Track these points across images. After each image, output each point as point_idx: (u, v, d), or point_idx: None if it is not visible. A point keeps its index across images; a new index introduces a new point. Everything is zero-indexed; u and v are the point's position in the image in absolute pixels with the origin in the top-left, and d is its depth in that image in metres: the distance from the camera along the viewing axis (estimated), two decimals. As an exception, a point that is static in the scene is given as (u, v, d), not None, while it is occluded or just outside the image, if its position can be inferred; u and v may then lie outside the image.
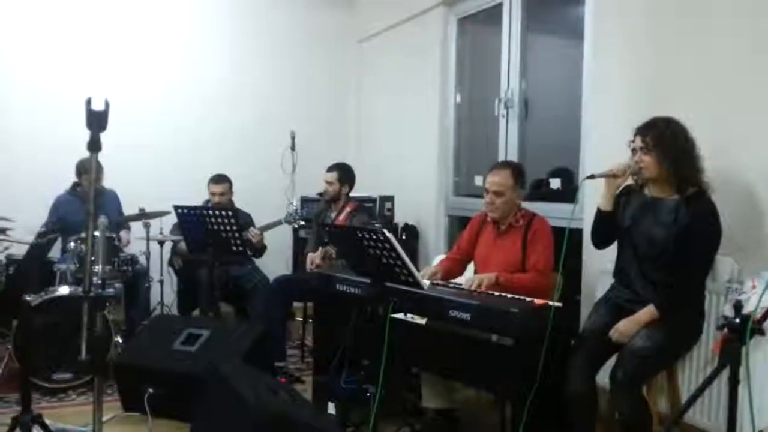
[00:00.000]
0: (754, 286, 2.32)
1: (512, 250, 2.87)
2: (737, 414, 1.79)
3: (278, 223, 4.18)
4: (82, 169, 4.06)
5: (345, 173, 4.06)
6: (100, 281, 1.97)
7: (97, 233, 3.12)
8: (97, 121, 1.71)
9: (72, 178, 4.17)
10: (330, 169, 4.07)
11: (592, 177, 2.49)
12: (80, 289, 1.95)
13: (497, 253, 2.92)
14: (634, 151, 2.44)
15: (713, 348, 2.51)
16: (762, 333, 1.75)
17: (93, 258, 3.18)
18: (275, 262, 4.81)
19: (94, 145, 1.73)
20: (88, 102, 1.74)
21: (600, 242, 2.63)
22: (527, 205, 3.06)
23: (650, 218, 2.43)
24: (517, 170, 2.92)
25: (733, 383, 1.75)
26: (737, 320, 1.73)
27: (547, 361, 2.26)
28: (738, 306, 1.80)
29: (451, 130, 4.58)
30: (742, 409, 1.83)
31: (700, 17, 2.75)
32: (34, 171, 4.47)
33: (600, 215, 2.54)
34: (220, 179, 4.31)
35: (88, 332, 1.95)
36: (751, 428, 1.91)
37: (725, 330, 1.77)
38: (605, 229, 2.56)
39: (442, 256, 3.73)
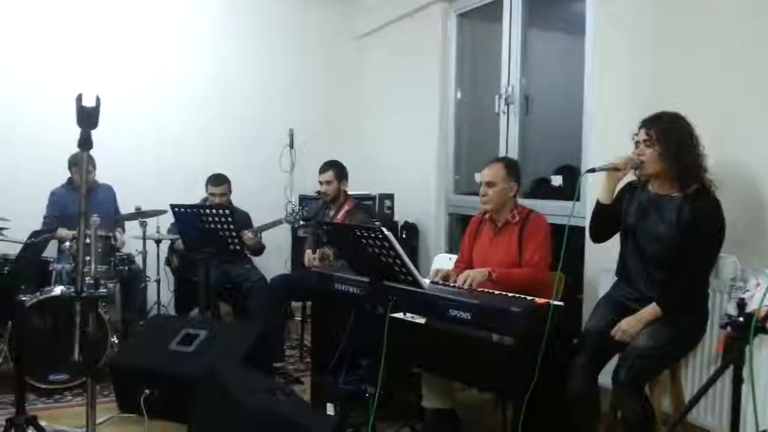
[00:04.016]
0: (757, 284, 2.29)
1: (509, 247, 2.85)
2: (740, 413, 1.77)
3: (278, 222, 4.14)
4: (73, 162, 4.03)
5: (340, 170, 3.98)
6: (92, 281, 1.93)
7: (89, 231, 3.09)
8: (87, 118, 1.68)
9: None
10: (324, 169, 3.96)
11: (592, 170, 2.46)
12: (72, 289, 1.91)
13: (495, 251, 2.90)
14: (637, 143, 2.41)
15: (716, 347, 2.48)
16: (765, 332, 1.72)
17: (87, 257, 3.17)
18: (274, 262, 4.78)
19: (85, 143, 1.69)
20: (79, 98, 1.70)
21: (598, 236, 2.59)
22: (530, 203, 3.04)
23: (654, 216, 2.40)
24: (509, 163, 2.95)
25: (737, 382, 1.72)
26: (741, 319, 1.71)
27: (548, 361, 2.23)
28: (741, 304, 1.77)
29: (452, 126, 4.54)
30: (745, 409, 1.81)
31: (701, 13, 2.72)
32: (35, 170, 4.43)
33: (599, 208, 2.51)
34: (219, 180, 4.25)
35: (81, 333, 1.93)
36: (755, 428, 1.89)
37: (729, 328, 1.74)
38: (604, 222, 2.53)
39: (443, 255, 3.72)
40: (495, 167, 2.91)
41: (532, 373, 2.20)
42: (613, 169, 2.42)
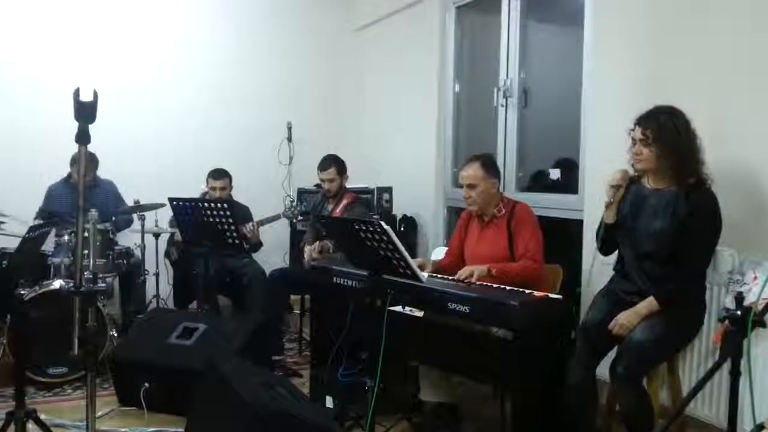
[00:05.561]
0: (755, 278, 2.30)
1: (498, 239, 2.85)
2: (738, 406, 1.77)
3: (277, 217, 4.14)
4: (74, 161, 4.02)
5: (340, 165, 3.97)
6: (91, 275, 1.93)
7: (88, 226, 3.10)
8: (85, 112, 1.67)
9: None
10: (326, 166, 3.93)
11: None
12: (71, 283, 1.91)
13: (484, 245, 2.90)
14: (633, 141, 2.40)
15: (714, 340, 2.49)
16: (763, 325, 1.72)
17: (86, 251, 3.17)
18: (272, 255, 4.78)
19: (83, 137, 1.69)
20: (76, 93, 1.70)
21: (607, 250, 2.59)
22: (527, 197, 3.04)
23: (650, 211, 2.40)
24: (485, 161, 2.92)
25: (735, 376, 1.72)
26: (738, 312, 1.70)
27: (546, 354, 2.24)
28: (739, 298, 1.76)
29: (450, 119, 4.53)
30: (743, 402, 1.81)
31: (699, 4, 2.71)
32: (35, 165, 4.41)
33: (605, 227, 2.49)
34: (220, 174, 4.24)
35: (80, 327, 1.93)
36: (752, 420, 1.90)
37: (726, 322, 1.74)
38: (611, 238, 2.52)
39: (442, 248, 3.72)
40: (472, 168, 2.88)
41: (531, 366, 2.21)
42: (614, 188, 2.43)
